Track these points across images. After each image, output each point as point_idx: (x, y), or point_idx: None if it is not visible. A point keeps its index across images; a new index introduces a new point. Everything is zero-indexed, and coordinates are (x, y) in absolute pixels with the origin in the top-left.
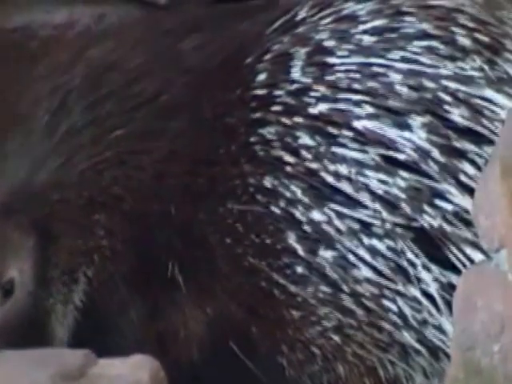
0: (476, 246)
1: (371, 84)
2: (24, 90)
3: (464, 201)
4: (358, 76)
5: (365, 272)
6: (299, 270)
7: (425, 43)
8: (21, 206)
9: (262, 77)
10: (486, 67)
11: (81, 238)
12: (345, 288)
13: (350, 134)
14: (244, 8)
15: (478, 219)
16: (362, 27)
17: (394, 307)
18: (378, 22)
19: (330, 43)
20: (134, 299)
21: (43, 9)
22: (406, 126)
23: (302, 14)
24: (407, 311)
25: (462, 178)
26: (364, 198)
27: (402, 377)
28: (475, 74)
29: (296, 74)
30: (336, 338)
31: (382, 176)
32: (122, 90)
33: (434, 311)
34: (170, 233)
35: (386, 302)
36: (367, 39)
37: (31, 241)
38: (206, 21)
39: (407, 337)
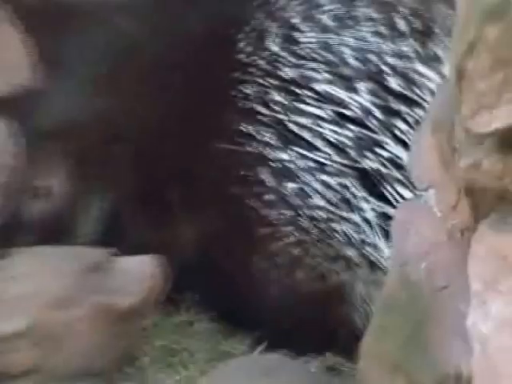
0: (404, 185)
1: (327, 55)
2: None
3: (397, 149)
4: (317, 48)
5: (318, 201)
6: (268, 197)
7: (370, 26)
8: (66, 136)
9: (242, 45)
10: (418, 47)
11: (103, 167)
12: (302, 212)
13: (310, 93)
14: None
15: (412, 166)
16: (321, 9)
17: (339, 229)
18: (334, 6)
19: (296, 21)
20: (143, 216)
21: None
22: (354, 90)
23: None
24: (350, 232)
25: (396, 132)
26: (319, 143)
27: (346, 284)
28: (410, 51)
29: (269, 44)
30: (295, 251)
31: (334, 127)
32: None
33: (370, 234)
34: (173, 167)
35: (334, 225)
36: (325, 19)
37: (70, 163)
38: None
39: (350, 252)
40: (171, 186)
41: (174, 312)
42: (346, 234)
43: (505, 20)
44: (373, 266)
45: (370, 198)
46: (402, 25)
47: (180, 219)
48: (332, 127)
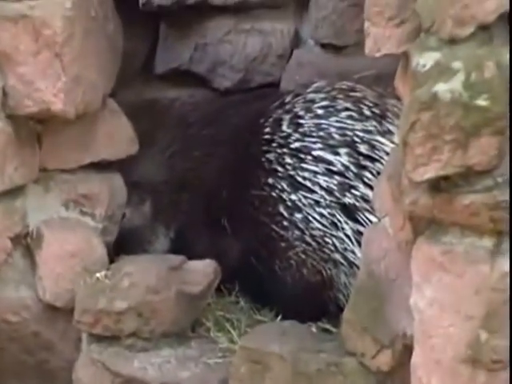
0: (371, 213)
1: (321, 133)
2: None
3: (366, 191)
4: (314, 129)
5: (317, 224)
6: (284, 223)
7: (347, 113)
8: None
9: (267, 129)
10: (377, 125)
11: (173, 202)
12: (307, 232)
13: (310, 157)
14: (255, 95)
15: (375, 201)
16: (316, 105)
17: (330, 242)
18: (324, 103)
19: (301, 112)
20: (205, 234)
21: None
22: (338, 153)
23: (287, 99)
24: (337, 244)
25: (365, 179)
26: (316, 188)
27: (335, 276)
28: (372, 128)
29: (284, 127)
30: (302, 256)
31: (325, 178)
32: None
33: (350, 244)
34: (223, 202)
35: (327, 239)
36: (319, 111)
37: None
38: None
39: (337, 256)
40: (224, 216)
41: (226, 295)
42: (334, 245)
43: (433, 109)
44: (352, 264)
45: (349, 222)
46: (367, 111)
47: (229, 238)
48: (324, 178)
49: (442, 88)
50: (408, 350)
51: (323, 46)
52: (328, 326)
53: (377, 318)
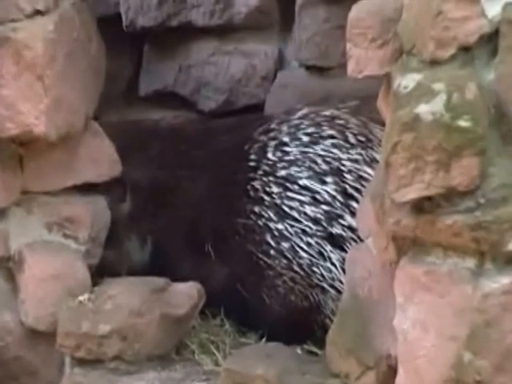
0: (355, 241)
1: (307, 162)
2: None
3: (352, 220)
4: (300, 157)
5: (304, 254)
6: (271, 252)
7: (332, 141)
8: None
9: (252, 156)
10: (363, 153)
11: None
12: (294, 261)
13: (296, 186)
14: (240, 120)
15: (359, 224)
16: (302, 132)
17: (318, 270)
18: (309, 130)
19: (286, 139)
20: (187, 256)
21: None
22: (324, 182)
23: (272, 125)
24: (324, 273)
25: (352, 209)
26: (302, 218)
27: (322, 301)
28: (358, 157)
29: (270, 155)
30: (290, 283)
31: (312, 208)
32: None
33: (336, 272)
34: (208, 229)
35: (314, 268)
36: (305, 138)
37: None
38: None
39: (324, 284)
40: (208, 241)
41: (210, 318)
42: (321, 274)
43: (415, 131)
44: (339, 292)
45: (336, 251)
46: (352, 139)
47: (213, 263)
48: (311, 207)
49: (423, 109)
50: (392, 371)
51: (307, 67)
52: (313, 348)
53: (361, 339)
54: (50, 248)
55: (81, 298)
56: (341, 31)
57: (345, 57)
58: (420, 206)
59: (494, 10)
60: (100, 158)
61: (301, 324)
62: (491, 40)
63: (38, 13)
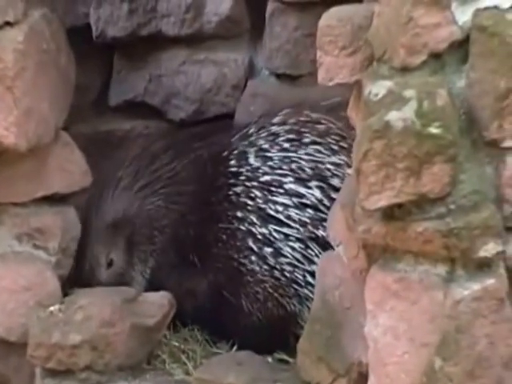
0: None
1: (291, 166)
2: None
3: None
4: (283, 162)
5: (286, 260)
6: (253, 257)
7: (314, 147)
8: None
9: (233, 162)
10: (346, 158)
11: (146, 243)
12: (276, 267)
13: (281, 190)
14: (213, 127)
15: (330, 231)
16: (282, 138)
17: (300, 276)
18: (290, 136)
19: (266, 146)
20: (174, 271)
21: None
22: (309, 187)
23: (251, 131)
24: (308, 278)
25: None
26: (288, 221)
27: (298, 311)
28: (342, 162)
29: (251, 160)
30: (270, 290)
31: (297, 211)
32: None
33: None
34: (192, 238)
35: (297, 274)
36: (286, 144)
37: (122, 243)
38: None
39: (305, 291)
40: (193, 252)
41: (181, 327)
42: (304, 280)
43: (385, 138)
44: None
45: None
46: (334, 146)
47: (198, 273)
48: (296, 211)
49: (394, 116)
50: (363, 378)
51: (278, 75)
52: (284, 356)
53: (332, 347)
54: (21, 259)
55: (51, 308)
56: (311, 39)
57: (315, 65)
58: (391, 214)
59: (464, 17)
60: (70, 169)
61: (276, 334)
62: (462, 47)
63: (7, 24)
